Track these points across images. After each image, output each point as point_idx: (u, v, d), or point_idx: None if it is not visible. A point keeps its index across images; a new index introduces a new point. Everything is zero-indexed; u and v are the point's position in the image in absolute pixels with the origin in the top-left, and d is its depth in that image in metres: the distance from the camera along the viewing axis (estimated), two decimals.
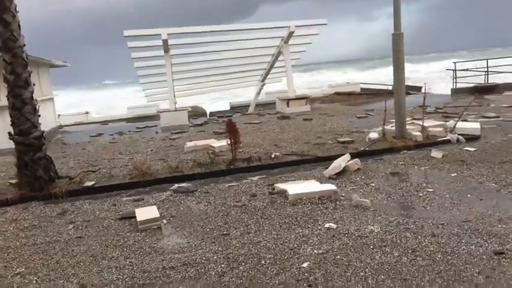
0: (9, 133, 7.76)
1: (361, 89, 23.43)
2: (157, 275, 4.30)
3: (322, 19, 17.69)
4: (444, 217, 5.19)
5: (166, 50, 16.31)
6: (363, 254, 4.37)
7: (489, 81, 19.45)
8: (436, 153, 8.07)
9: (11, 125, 7.78)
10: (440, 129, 9.56)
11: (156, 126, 16.94)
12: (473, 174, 6.87)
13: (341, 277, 3.96)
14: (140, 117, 20.99)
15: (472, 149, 8.38)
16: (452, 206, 5.57)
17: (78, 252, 5.04)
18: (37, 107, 7.99)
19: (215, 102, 24.99)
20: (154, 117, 19.09)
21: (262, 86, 21.28)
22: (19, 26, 7.77)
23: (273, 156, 8.84)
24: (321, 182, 6.92)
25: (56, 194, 7.42)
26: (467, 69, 19.85)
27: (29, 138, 7.68)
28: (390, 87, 16.57)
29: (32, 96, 7.92)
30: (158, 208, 6.22)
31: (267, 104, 21.51)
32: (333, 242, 4.73)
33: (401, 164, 7.84)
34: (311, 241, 4.79)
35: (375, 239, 4.70)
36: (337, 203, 5.98)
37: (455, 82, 19.85)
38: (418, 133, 9.23)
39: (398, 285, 3.75)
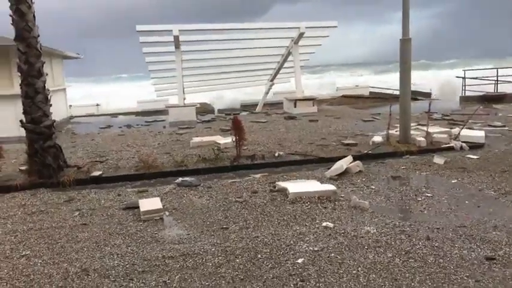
0: (21, 121, 7.97)
1: (370, 92, 23.46)
2: (157, 263, 4.46)
3: (332, 21, 17.76)
4: (440, 222, 5.29)
5: (177, 46, 16.49)
6: (356, 253, 4.49)
7: (498, 91, 19.40)
8: (438, 159, 8.15)
9: (23, 113, 8.00)
10: (445, 135, 9.62)
11: (164, 120, 17.15)
12: (474, 181, 6.95)
13: (333, 274, 4.09)
14: (150, 112, 21.21)
15: (474, 157, 8.44)
16: (449, 211, 5.66)
17: (82, 238, 5.22)
18: (49, 96, 8.20)
19: (224, 99, 25.12)
20: (163, 112, 19.28)
21: (271, 85, 21.41)
22: (34, 16, 7.98)
23: (276, 155, 8.97)
24: (322, 183, 7.03)
25: (64, 182, 7.63)
26: (476, 78, 19.81)
27: (39, 127, 7.89)
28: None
29: (44, 86, 8.13)
30: (161, 200, 6.39)
31: (274, 103, 21.63)
32: (328, 240, 4.86)
33: (403, 168, 7.93)
34: (307, 238, 4.92)
35: (370, 240, 4.82)
36: (336, 203, 6.10)
37: (464, 90, 19.83)
38: (422, 139, 9.30)
39: (389, 284, 3.86)
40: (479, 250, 4.46)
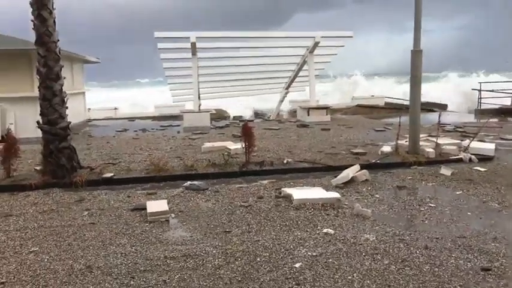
0: (38, 122, 8.27)
1: (386, 103, 23.39)
2: (158, 263, 4.62)
3: (347, 31, 17.82)
4: (440, 231, 5.33)
5: (194, 53, 16.78)
6: (354, 260, 4.57)
7: None
8: (445, 171, 8.15)
9: (40, 114, 8.30)
10: (454, 147, 9.60)
11: (179, 126, 17.40)
12: (479, 193, 6.95)
13: (329, 279, 4.18)
14: (166, 116, 21.53)
15: (482, 169, 8.41)
16: (450, 221, 5.69)
17: (89, 237, 5.42)
18: (65, 99, 8.49)
19: (240, 106, 25.37)
20: (178, 117, 19.56)
21: (286, 93, 21.56)
22: (54, 22, 8.30)
23: (285, 162, 9.08)
24: (328, 190, 7.11)
25: (76, 182, 7.87)
26: (492, 90, 19.63)
27: (55, 128, 8.17)
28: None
29: (62, 89, 8.43)
30: (168, 203, 6.56)
31: (289, 111, 21.77)
32: (327, 246, 4.95)
33: (409, 179, 7.96)
34: (307, 244, 5.02)
35: (368, 247, 4.89)
36: (339, 210, 6.19)
37: (480, 103, 19.66)
38: (431, 150, 9.30)
39: None
40: (476, 260, 4.50)
